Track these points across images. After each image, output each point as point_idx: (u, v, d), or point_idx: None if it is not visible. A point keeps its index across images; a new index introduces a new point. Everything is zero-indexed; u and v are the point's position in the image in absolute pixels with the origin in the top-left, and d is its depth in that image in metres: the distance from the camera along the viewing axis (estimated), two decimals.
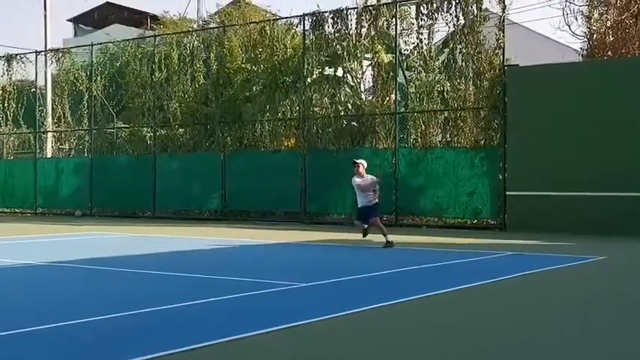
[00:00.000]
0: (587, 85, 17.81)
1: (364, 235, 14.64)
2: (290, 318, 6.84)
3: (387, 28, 22.21)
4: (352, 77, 23.26)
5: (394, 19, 21.59)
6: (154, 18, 40.63)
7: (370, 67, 23.00)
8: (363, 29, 22.10)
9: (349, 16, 22.13)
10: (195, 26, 33.91)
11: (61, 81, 28.60)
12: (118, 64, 28.61)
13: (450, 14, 20.46)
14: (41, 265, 11.35)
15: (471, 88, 20.22)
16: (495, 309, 7.81)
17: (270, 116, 23.78)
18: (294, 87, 23.39)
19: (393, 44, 21.60)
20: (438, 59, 21.45)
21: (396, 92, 21.39)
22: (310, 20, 22.66)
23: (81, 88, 27.76)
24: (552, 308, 7.77)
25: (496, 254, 13.19)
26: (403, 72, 22.17)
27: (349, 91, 23.44)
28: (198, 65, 25.12)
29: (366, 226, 14.45)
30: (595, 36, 21.91)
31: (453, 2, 20.28)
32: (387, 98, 21.93)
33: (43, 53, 29.17)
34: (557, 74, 18.50)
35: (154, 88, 25.83)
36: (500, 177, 19.12)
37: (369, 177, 14.41)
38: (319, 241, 16.07)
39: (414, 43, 21.56)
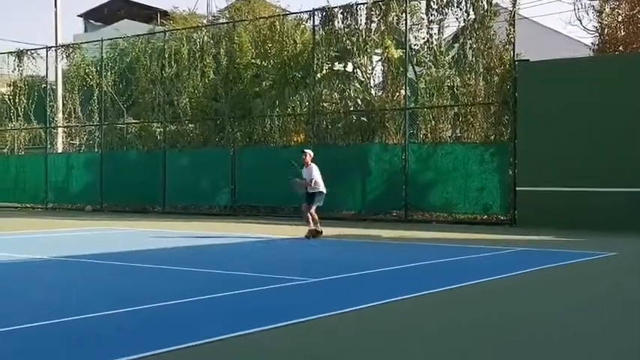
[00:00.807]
0: (598, 80, 17.70)
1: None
2: (296, 314, 6.81)
3: (397, 23, 22.14)
4: (362, 72, 23.20)
5: (404, 14, 21.52)
6: (164, 13, 40.67)
7: (380, 63, 22.96)
8: (372, 24, 22.06)
9: (359, 12, 22.08)
10: (204, 22, 33.94)
11: (72, 76, 28.68)
12: (128, 60, 28.66)
13: (461, 9, 20.38)
14: (52, 259, 11.39)
15: (481, 84, 20.15)
16: (505, 305, 7.77)
17: (280, 111, 23.77)
18: (304, 82, 23.38)
19: (403, 39, 21.54)
20: (448, 54, 21.38)
21: (405, 87, 21.34)
22: (320, 15, 22.62)
23: (91, 83, 27.83)
24: (562, 305, 7.73)
25: (506, 250, 13.15)
26: (413, 67, 22.11)
27: (359, 86, 23.39)
28: (208, 61, 25.11)
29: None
30: (606, 31, 21.81)
31: None
32: (397, 94, 21.88)
33: (53, 49, 29.22)
34: (568, 69, 18.40)
35: (164, 83, 25.85)
36: (511, 172, 19.04)
37: (313, 166, 15.17)
38: (328, 237, 16.05)
39: (424, 38, 21.49)
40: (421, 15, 22.35)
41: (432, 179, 20.33)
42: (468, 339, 6.07)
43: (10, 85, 30.24)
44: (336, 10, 22.36)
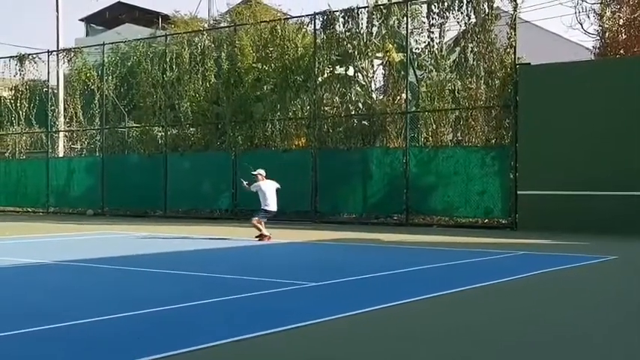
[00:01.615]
0: (599, 83, 17.71)
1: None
2: (298, 318, 6.81)
3: (398, 27, 22.19)
4: (363, 76, 23.23)
5: (405, 18, 21.55)
6: (165, 17, 40.73)
7: (381, 66, 23.01)
8: (374, 28, 22.10)
9: (360, 15, 22.12)
10: (206, 25, 33.94)
11: (73, 80, 28.72)
12: (129, 64, 28.70)
13: (462, 13, 20.41)
14: (53, 264, 11.39)
15: (482, 87, 20.16)
16: (506, 309, 7.77)
17: (281, 115, 23.77)
18: (305, 86, 23.39)
19: (404, 43, 21.57)
20: (449, 58, 21.39)
21: (407, 91, 21.35)
22: (321, 19, 22.65)
23: (92, 87, 27.88)
24: (563, 308, 7.72)
25: (507, 254, 13.13)
26: (414, 71, 22.12)
27: (360, 90, 23.41)
28: (209, 64, 25.14)
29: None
30: (607, 34, 21.80)
31: (465, 1, 20.22)
32: (398, 97, 21.90)
33: (55, 53, 29.27)
34: (569, 73, 18.40)
35: (165, 87, 25.88)
36: (512, 176, 19.04)
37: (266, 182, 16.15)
38: (330, 240, 16.06)
39: (425, 42, 21.50)
40: (422, 19, 22.40)
41: (433, 183, 20.33)
42: (471, 342, 6.06)
43: (11, 89, 30.30)
44: (337, 14, 22.39)
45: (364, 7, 22.31)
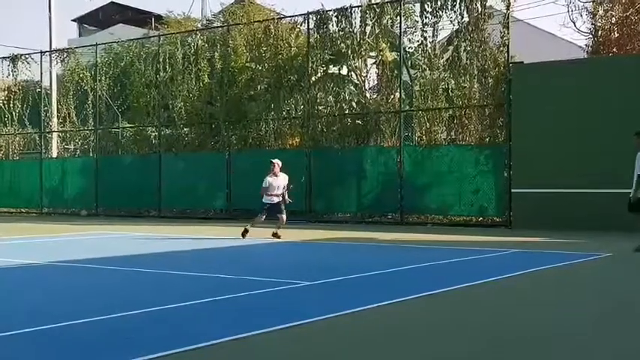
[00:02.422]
0: (592, 81, 17.74)
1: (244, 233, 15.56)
2: (294, 317, 6.81)
3: (392, 26, 22.19)
4: (357, 75, 23.24)
5: (398, 17, 21.56)
6: (158, 18, 40.71)
7: (375, 66, 22.99)
8: (367, 27, 22.10)
9: (353, 15, 22.13)
10: (199, 25, 33.95)
11: (66, 81, 28.67)
12: (122, 64, 28.66)
13: (455, 12, 20.42)
14: (47, 264, 11.36)
15: (475, 86, 20.19)
16: (501, 306, 7.78)
17: (275, 115, 23.76)
18: (299, 86, 23.38)
19: (398, 42, 21.58)
20: (443, 57, 21.41)
21: (400, 90, 21.36)
22: (314, 19, 22.64)
23: (86, 88, 27.83)
24: (558, 306, 7.74)
25: (502, 252, 13.16)
26: (408, 70, 22.14)
27: (354, 89, 23.42)
28: (202, 64, 25.11)
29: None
30: (600, 32, 21.86)
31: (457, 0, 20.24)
32: (392, 96, 21.92)
33: (47, 53, 29.20)
34: (562, 71, 18.43)
35: (159, 87, 25.85)
36: (506, 174, 19.07)
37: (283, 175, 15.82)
38: (324, 240, 16.06)
39: (418, 41, 21.50)
40: (415, 18, 22.43)
41: (427, 181, 20.35)
42: (467, 339, 6.07)
43: (4, 90, 30.20)
44: (330, 13, 22.39)
45: (357, 7, 22.31)
